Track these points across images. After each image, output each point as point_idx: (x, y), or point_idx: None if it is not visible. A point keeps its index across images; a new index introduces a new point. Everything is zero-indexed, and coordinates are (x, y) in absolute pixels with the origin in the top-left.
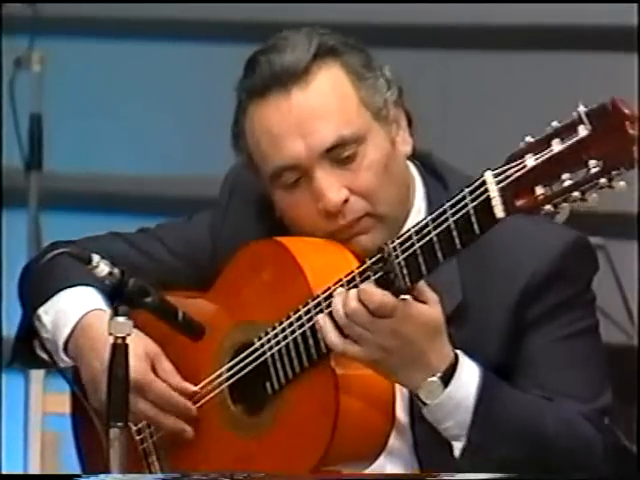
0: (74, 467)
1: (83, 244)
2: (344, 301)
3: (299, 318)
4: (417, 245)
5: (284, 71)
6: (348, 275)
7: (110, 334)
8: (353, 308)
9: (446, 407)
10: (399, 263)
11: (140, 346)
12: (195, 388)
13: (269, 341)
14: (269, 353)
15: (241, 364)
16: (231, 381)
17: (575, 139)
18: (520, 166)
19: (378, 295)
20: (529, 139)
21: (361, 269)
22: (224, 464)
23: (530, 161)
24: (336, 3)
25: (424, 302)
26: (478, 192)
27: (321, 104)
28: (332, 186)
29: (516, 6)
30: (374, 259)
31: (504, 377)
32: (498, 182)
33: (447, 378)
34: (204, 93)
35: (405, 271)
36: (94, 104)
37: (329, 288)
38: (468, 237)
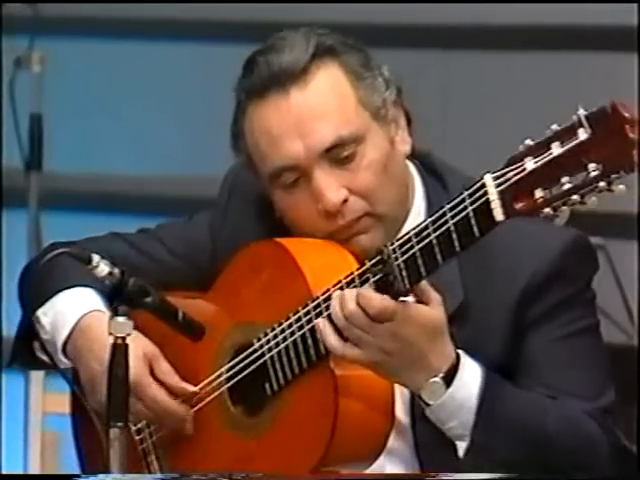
0: (74, 467)
1: (83, 244)
2: (342, 303)
3: (298, 320)
4: (417, 247)
5: (282, 71)
6: (347, 277)
7: (110, 334)
8: (351, 310)
9: (449, 407)
10: (398, 265)
11: (138, 347)
12: (194, 388)
13: (268, 342)
14: (268, 354)
15: (241, 365)
16: (231, 382)
17: (575, 142)
18: (520, 169)
19: (377, 300)
20: (529, 142)
21: (360, 271)
22: (223, 464)
23: (530, 164)
24: (336, 3)
25: (426, 302)
26: (477, 195)
27: (320, 104)
28: (331, 186)
29: (517, 6)
30: (373, 261)
31: (506, 377)
32: (498, 185)
33: (449, 378)
34: (204, 93)
35: (404, 273)
36: (94, 104)
37: (328, 290)
38: (467, 240)
